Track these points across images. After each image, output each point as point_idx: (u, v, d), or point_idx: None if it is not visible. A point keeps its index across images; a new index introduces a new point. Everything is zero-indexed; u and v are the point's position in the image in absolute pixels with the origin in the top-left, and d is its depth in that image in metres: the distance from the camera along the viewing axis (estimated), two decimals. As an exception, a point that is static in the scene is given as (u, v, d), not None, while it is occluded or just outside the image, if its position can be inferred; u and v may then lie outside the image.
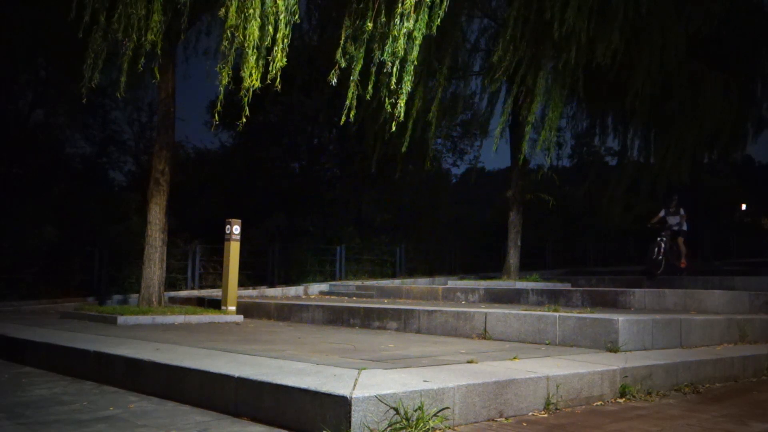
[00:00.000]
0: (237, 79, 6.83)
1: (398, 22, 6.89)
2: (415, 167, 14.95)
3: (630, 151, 14.08)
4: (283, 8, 6.62)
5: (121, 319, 7.57)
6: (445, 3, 7.18)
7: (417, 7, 6.91)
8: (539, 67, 10.46)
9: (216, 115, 6.82)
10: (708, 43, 12.81)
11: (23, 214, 12.98)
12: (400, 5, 6.86)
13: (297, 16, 6.80)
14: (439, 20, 7.20)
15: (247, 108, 6.64)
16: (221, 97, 6.87)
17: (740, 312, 7.30)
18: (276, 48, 6.65)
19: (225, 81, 6.82)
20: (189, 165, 19.52)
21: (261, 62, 6.73)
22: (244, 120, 6.65)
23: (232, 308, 8.78)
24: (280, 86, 6.65)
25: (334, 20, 10.19)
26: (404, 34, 6.89)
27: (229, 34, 6.59)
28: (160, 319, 7.89)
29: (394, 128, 7.51)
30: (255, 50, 6.60)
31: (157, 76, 7.37)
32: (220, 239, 9.23)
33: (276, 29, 6.64)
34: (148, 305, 8.68)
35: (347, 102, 7.42)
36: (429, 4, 7.04)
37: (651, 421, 3.51)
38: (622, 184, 13.76)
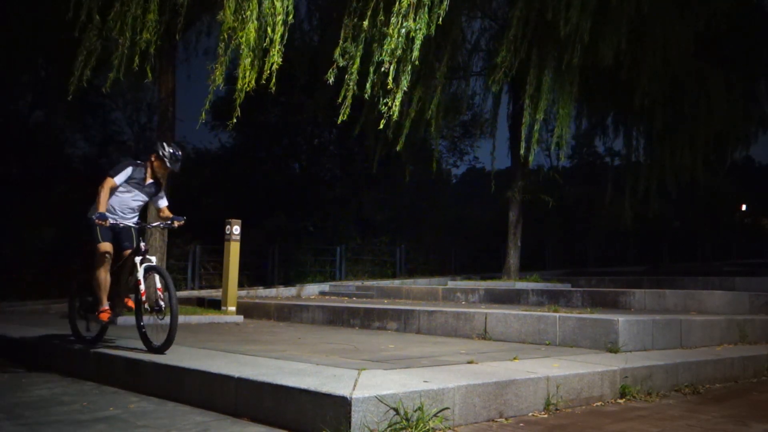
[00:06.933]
0: (234, 79, 6.86)
1: (397, 22, 6.89)
2: (417, 168, 14.95)
3: (636, 151, 14.07)
4: (281, 9, 6.63)
5: (120, 320, 7.50)
6: (445, 3, 7.17)
7: (417, 6, 6.91)
8: (543, 67, 10.46)
9: (203, 113, 6.85)
10: (711, 43, 12.80)
11: (23, 214, 12.98)
12: (399, 4, 6.87)
13: (291, 16, 6.80)
14: (440, 20, 7.20)
15: (238, 109, 6.67)
16: (210, 96, 6.91)
17: (740, 312, 7.29)
18: (272, 49, 6.66)
19: (218, 81, 6.83)
20: (189, 165, 19.51)
21: (256, 62, 6.73)
22: (234, 120, 6.67)
23: (232, 308, 8.78)
24: (274, 87, 6.65)
25: (334, 20, 10.19)
26: (403, 33, 6.89)
27: (226, 36, 6.60)
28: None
29: (382, 126, 7.52)
30: (251, 51, 6.61)
31: (150, 75, 7.36)
32: (220, 239, 9.22)
33: (273, 30, 6.64)
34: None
35: (345, 101, 7.43)
36: (428, 3, 7.04)
37: (651, 422, 3.50)
38: (635, 185, 13.66)
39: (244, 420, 3.32)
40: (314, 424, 2.99)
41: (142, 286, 4.78)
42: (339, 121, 7.58)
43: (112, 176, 4.98)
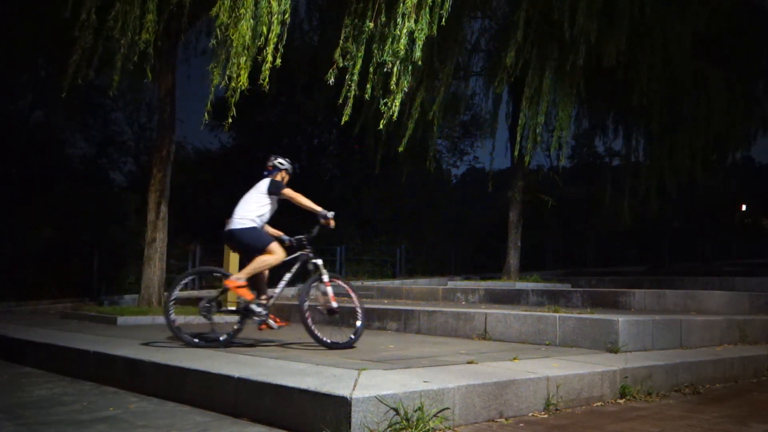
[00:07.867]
0: (231, 79, 6.84)
1: (400, 22, 6.88)
2: (416, 167, 14.97)
3: (636, 151, 14.08)
4: (277, 8, 6.61)
5: (120, 320, 7.56)
6: (447, 3, 7.17)
7: (419, 7, 6.91)
8: (544, 68, 10.46)
9: (206, 114, 6.85)
10: (711, 43, 12.80)
11: (23, 214, 12.98)
12: (401, 5, 6.85)
13: (287, 15, 6.79)
14: (443, 20, 7.19)
15: (233, 108, 6.65)
16: (211, 97, 6.90)
17: (740, 312, 7.29)
18: (267, 48, 6.64)
19: (216, 81, 6.82)
20: (189, 165, 19.52)
21: (250, 62, 6.71)
22: (230, 120, 6.66)
23: (233, 308, 8.76)
24: (268, 87, 6.63)
25: (334, 21, 10.20)
26: (405, 34, 6.88)
27: (219, 33, 6.59)
28: (160, 319, 7.86)
29: (381, 126, 7.51)
30: (245, 50, 6.59)
31: (150, 75, 7.35)
32: (220, 239, 9.20)
33: (269, 29, 6.62)
34: (148, 305, 8.68)
35: (346, 102, 7.42)
36: (430, 4, 7.03)
37: (651, 422, 3.50)
38: (635, 185, 13.65)
39: (244, 420, 3.32)
40: (314, 424, 2.99)
41: (330, 288, 5.27)
42: (342, 122, 7.58)
43: (286, 186, 5.42)
